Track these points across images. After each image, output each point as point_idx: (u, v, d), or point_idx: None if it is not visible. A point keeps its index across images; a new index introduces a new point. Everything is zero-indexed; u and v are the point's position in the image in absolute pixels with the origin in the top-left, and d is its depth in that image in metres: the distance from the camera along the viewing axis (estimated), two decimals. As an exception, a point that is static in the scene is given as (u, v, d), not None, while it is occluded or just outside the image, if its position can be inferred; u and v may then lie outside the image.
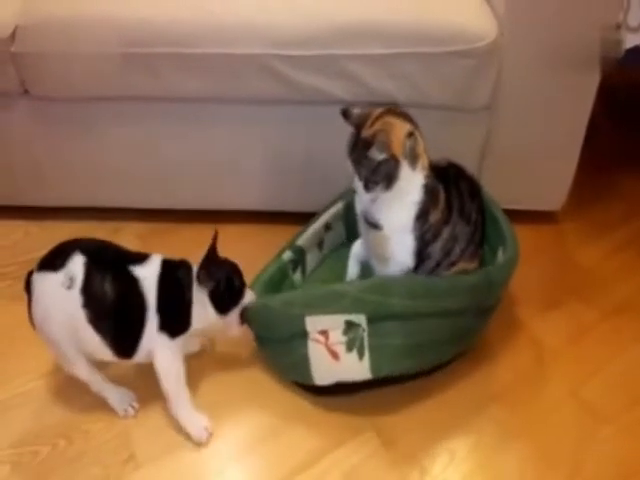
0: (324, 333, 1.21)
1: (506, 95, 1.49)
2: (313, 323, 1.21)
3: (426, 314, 1.22)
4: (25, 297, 1.18)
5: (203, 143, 1.60)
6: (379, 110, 1.20)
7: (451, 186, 1.27)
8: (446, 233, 1.25)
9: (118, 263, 1.16)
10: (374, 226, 1.26)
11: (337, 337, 1.21)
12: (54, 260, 1.14)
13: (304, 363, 1.25)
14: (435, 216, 1.24)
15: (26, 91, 1.51)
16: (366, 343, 1.20)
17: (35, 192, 1.71)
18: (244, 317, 1.27)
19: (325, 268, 1.58)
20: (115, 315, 1.13)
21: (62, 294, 1.11)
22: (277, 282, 1.42)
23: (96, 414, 1.29)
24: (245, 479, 1.25)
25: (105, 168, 1.65)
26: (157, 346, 1.17)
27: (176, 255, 1.24)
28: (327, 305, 1.20)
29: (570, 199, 1.70)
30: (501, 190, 1.67)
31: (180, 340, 1.20)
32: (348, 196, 1.44)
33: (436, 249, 1.26)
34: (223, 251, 1.24)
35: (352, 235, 1.48)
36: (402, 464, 1.24)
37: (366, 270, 1.41)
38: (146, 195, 1.71)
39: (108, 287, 1.11)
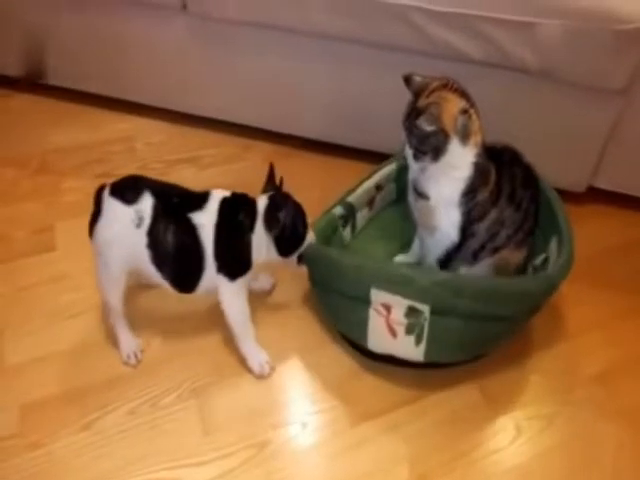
0: (386, 307, 1.20)
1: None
2: (377, 295, 1.20)
3: (487, 317, 1.22)
4: (92, 207, 1.21)
5: (332, 80, 1.67)
6: (437, 82, 1.19)
7: (504, 170, 1.26)
8: (493, 214, 1.25)
9: (180, 210, 1.19)
10: (422, 195, 1.27)
11: (398, 316, 1.20)
12: (126, 192, 1.17)
13: (361, 326, 1.26)
14: (483, 195, 1.24)
15: (185, 6, 1.63)
16: (425, 332, 1.20)
17: (180, 99, 1.88)
18: (302, 259, 1.30)
19: (374, 226, 1.59)
20: (175, 260, 1.19)
21: (131, 229, 1.16)
22: (327, 236, 1.43)
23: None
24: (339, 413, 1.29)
25: (243, 87, 1.77)
26: (220, 286, 1.22)
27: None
28: (394, 285, 1.18)
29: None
30: (623, 175, 1.64)
31: (241, 281, 1.24)
32: (401, 158, 1.40)
33: (481, 229, 1.26)
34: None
35: (402, 196, 1.48)
36: (500, 419, 1.28)
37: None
38: (274, 118, 1.83)
39: (170, 235, 1.17)
